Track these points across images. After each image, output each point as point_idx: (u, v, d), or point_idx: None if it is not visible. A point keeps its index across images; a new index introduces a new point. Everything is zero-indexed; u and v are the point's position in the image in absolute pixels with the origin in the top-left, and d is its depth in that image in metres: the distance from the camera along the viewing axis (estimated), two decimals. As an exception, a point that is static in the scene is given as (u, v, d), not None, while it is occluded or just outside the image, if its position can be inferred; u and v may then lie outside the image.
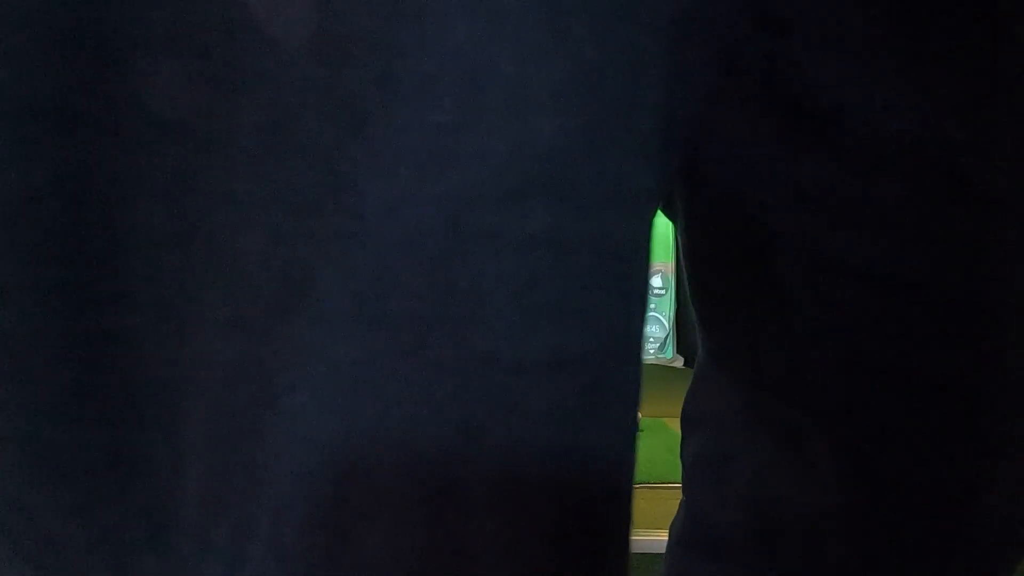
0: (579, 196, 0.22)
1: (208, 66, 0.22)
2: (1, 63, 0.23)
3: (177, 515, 0.24)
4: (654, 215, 0.26)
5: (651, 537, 1.59)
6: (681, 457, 0.49)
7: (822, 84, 0.33)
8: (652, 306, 3.53)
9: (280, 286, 0.22)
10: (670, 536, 0.49)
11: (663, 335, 3.64)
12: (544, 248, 0.22)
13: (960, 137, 0.33)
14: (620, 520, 0.26)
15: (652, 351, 3.41)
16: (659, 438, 2.54)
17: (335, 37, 0.21)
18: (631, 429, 0.26)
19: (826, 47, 0.33)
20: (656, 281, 3.54)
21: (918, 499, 0.37)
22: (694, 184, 0.39)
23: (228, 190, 0.22)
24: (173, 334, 0.23)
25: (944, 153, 0.33)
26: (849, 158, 0.33)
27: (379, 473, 0.22)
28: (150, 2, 0.22)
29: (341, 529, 0.22)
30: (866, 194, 0.34)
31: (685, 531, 0.47)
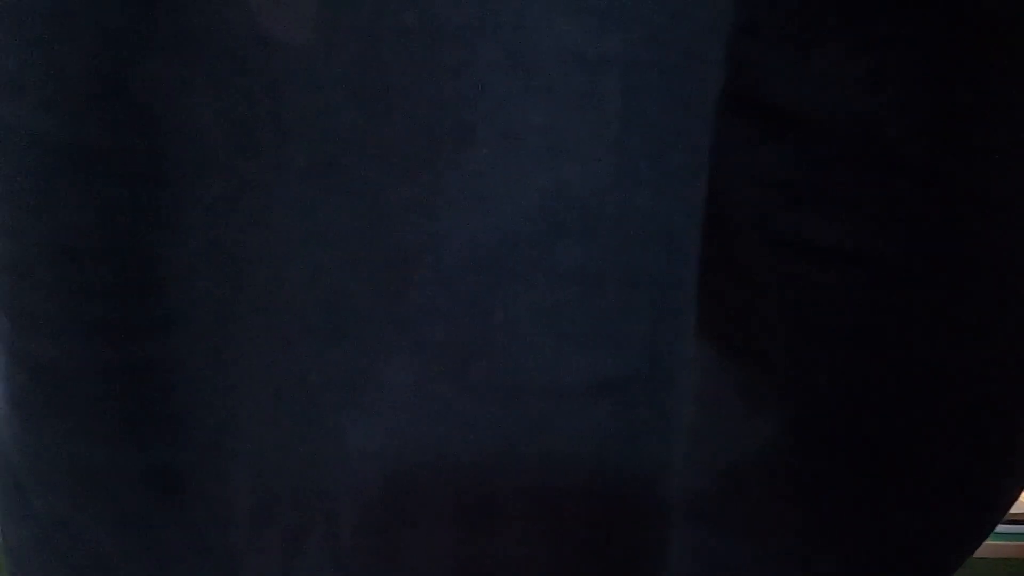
0: (608, 235, 0.24)
1: (254, 111, 0.23)
2: (48, 110, 0.25)
3: (226, 523, 0.26)
4: (694, 241, 0.28)
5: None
6: None
7: (779, 79, 0.34)
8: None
9: (325, 314, 0.24)
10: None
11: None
12: (575, 282, 0.24)
13: (905, 123, 0.35)
14: (655, 540, 0.28)
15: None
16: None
17: (379, 88, 0.23)
18: (669, 450, 0.27)
19: (782, 44, 0.34)
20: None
21: (868, 462, 0.39)
22: None
23: (270, 225, 0.23)
24: (212, 358, 0.25)
25: (889, 138, 0.35)
26: (804, 146, 0.35)
27: (423, 486, 0.24)
28: (196, 49, 0.24)
29: (393, 534, 0.24)
30: (819, 178, 0.35)
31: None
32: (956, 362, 0.38)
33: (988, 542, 1.03)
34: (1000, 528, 1.04)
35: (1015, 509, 1.07)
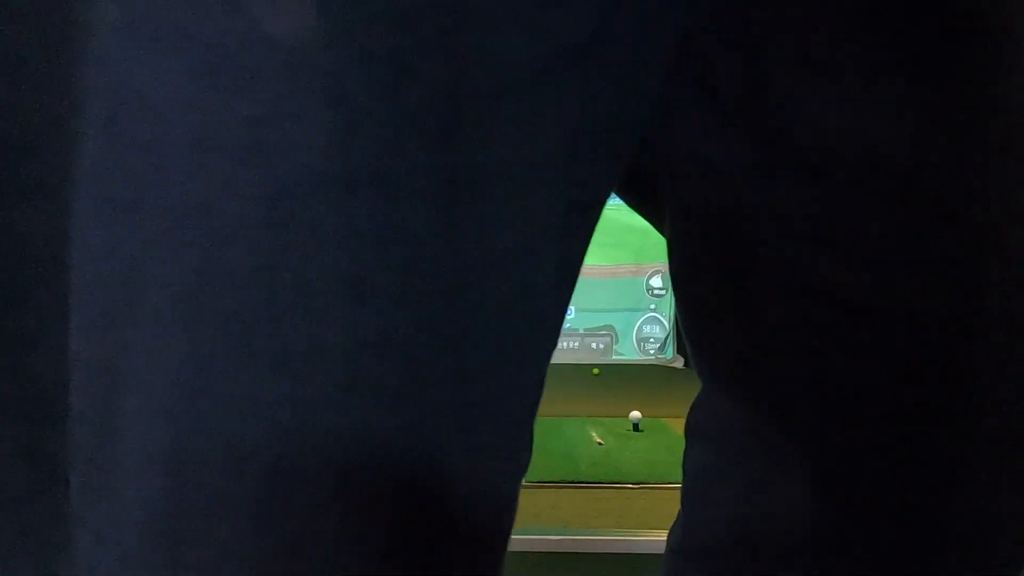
0: (403, 187, 0.23)
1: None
2: None
3: (68, 503, 0.24)
4: (466, 193, 0.26)
5: (650, 537, 1.60)
6: (683, 467, 0.49)
7: (796, 105, 0.32)
8: (652, 306, 3.55)
9: (111, 290, 0.22)
10: (667, 544, 0.49)
11: (663, 335, 3.67)
12: (369, 239, 0.23)
13: (940, 159, 0.32)
14: (453, 498, 0.26)
15: (652, 351, 3.43)
16: (659, 438, 2.53)
17: (139, 27, 0.21)
18: (463, 408, 0.26)
19: (799, 67, 0.32)
20: (656, 281, 3.55)
21: (889, 522, 0.37)
22: (679, 209, 0.39)
23: (59, 197, 0.22)
24: (58, 336, 0.23)
25: (923, 175, 0.32)
26: (825, 180, 0.33)
27: (212, 474, 0.23)
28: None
29: (180, 532, 0.23)
30: (843, 216, 0.33)
31: (679, 540, 0.47)
32: (991, 417, 0.35)
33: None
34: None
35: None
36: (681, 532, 0.46)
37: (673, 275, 0.41)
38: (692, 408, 0.47)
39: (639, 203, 0.45)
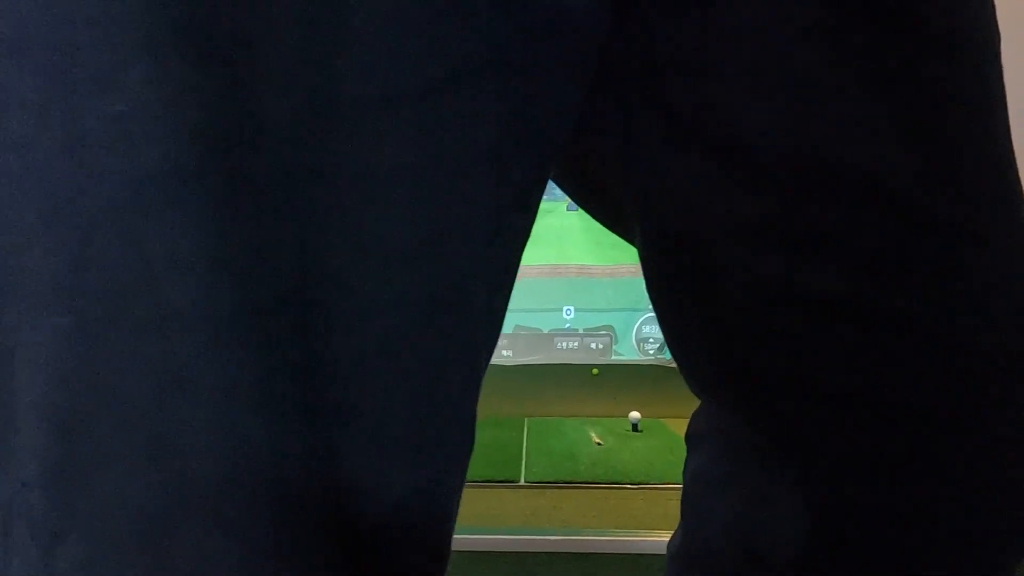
0: (256, 180, 0.25)
1: None
2: None
3: None
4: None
5: (651, 538, 1.60)
6: (683, 474, 0.49)
7: (751, 121, 0.33)
8: (651, 306, 3.55)
9: None
10: (667, 549, 0.50)
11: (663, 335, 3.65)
12: (228, 215, 0.25)
13: (896, 161, 0.33)
14: (303, 477, 0.27)
15: (652, 351, 3.42)
16: (659, 438, 2.54)
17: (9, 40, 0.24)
18: (313, 364, 0.27)
19: (752, 84, 0.33)
20: (656, 281, 3.54)
21: (878, 526, 0.37)
22: (646, 226, 0.39)
23: None
24: None
25: (881, 177, 0.33)
26: (783, 189, 0.34)
27: (101, 429, 0.25)
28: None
29: (74, 484, 0.25)
30: (802, 223, 0.34)
31: (679, 547, 0.48)
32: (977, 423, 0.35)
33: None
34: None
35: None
36: (680, 538, 0.47)
37: (649, 292, 0.41)
38: (692, 417, 0.47)
39: (610, 222, 0.45)
